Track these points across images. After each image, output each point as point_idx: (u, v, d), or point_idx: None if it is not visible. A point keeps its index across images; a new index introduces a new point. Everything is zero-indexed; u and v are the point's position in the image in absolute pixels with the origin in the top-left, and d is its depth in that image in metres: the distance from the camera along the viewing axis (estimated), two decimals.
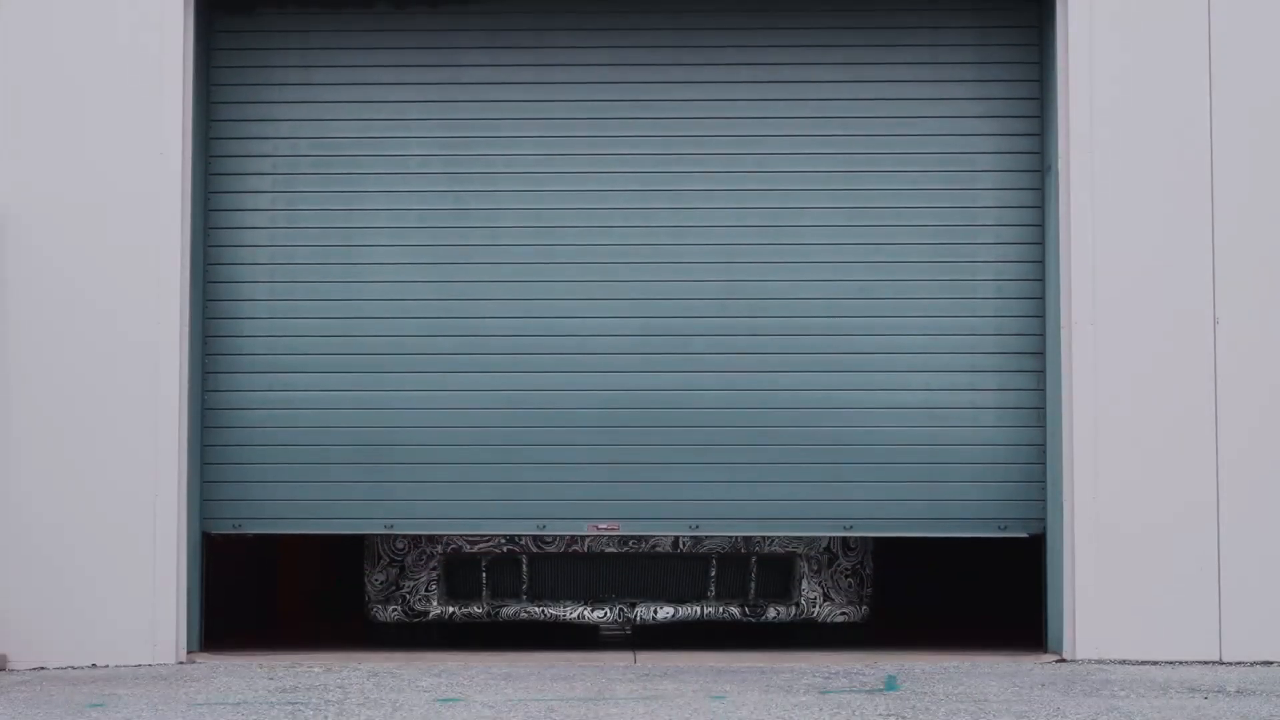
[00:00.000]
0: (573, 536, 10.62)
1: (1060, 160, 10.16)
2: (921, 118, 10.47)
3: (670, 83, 10.50)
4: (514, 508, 10.37)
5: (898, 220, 10.42)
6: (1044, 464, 10.30)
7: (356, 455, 10.37)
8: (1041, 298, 10.37)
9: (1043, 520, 10.28)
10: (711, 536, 10.56)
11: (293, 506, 10.40)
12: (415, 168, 10.51)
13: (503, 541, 10.66)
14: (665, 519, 10.38)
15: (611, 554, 10.65)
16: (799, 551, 10.72)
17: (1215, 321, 10.03)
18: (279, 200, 10.52)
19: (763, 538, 10.67)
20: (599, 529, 10.35)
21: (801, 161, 10.46)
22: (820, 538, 10.75)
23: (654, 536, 10.62)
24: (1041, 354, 10.32)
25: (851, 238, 10.41)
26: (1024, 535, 10.32)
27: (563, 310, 10.44)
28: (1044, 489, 10.29)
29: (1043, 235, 10.38)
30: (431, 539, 10.72)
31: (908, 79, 10.48)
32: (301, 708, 8.04)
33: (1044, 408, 10.29)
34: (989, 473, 10.32)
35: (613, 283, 10.45)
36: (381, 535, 10.86)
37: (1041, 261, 10.39)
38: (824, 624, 10.89)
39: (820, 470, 10.34)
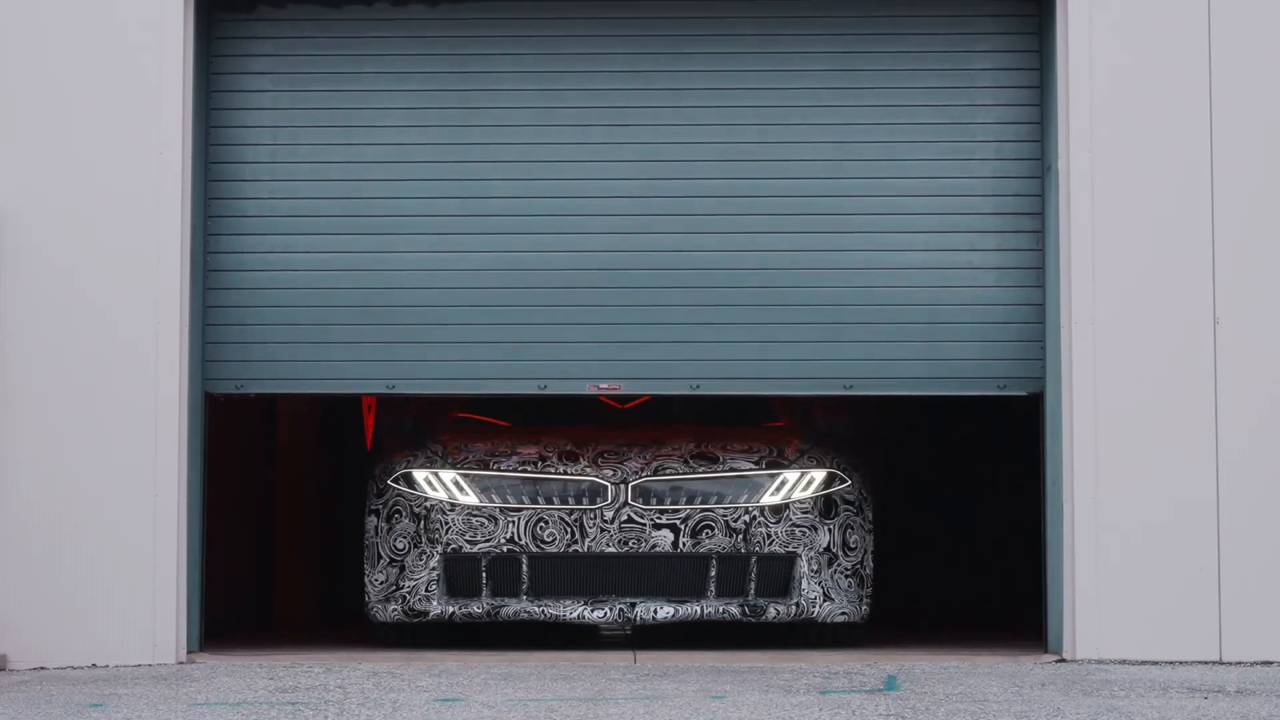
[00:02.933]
0: (573, 536, 10.62)
1: (1060, 159, 10.16)
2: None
3: None
4: (515, 368, 10.41)
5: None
6: (1043, 323, 10.31)
7: (358, 317, 10.40)
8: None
9: (1041, 380, 10.28)
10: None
11: (294, 368, 10.44)
12: (416, 32, 10.49)
13: (503, 541, 10.66)
14: (666, 379, 10.43)
15: (611, 554, 10.65)
16: (799, 551, 10.72)
17: (1215, 321, 10.03)
18: (281, 65, 10.52)
19: (764, 539, 10.67)
20: (600, 389, 10.40)
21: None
22: (820, 538, 10.75)
23: (653, 537, 10.61)
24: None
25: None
26: (1023, 394, 10.35)
27: (564, 172, 10.47)
28: (1043, 348, 10.29)
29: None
30: (431, 540, 10.72)
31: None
32: (301, 708, 8.04)
33: (1043, 268, 10.32)
34: (988, 332, 10.35)
35: (613, 145, 10.49)
36: (381, 537, 10.87)
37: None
38: (824, 624, 10.89)
39: (820, 330, 10.39)
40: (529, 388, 10.41)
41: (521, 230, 10.44)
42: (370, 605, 10.92)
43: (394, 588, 10.80)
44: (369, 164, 10.48)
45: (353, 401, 17.10)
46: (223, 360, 10.39)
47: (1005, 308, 10.38)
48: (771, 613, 10.71)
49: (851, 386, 10.41)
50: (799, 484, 10.84)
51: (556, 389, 10.42)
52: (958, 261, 10.40)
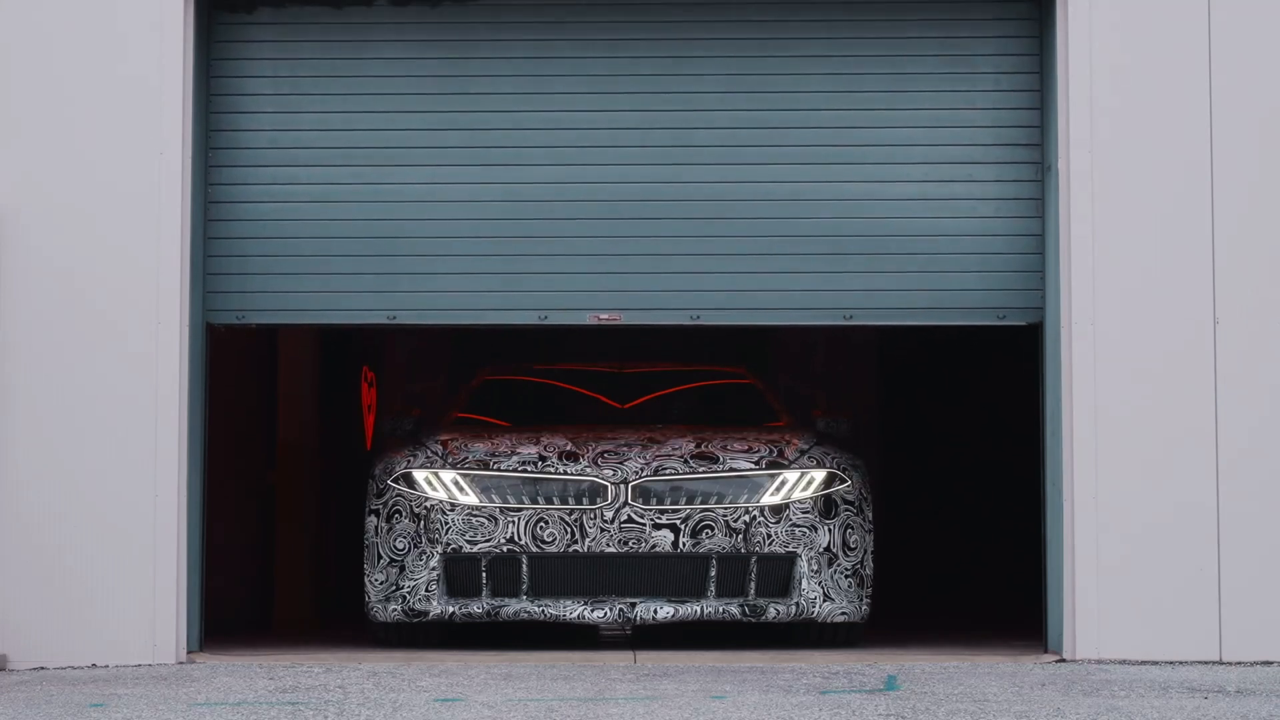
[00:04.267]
0: (573, 536, 10.62)
1: (1060, 159, 10.16)
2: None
3: None
4: (516, 299, 10.44)
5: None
6: (1042, 254, 10.31)
7: (359, 248, 10.43)
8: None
9: (1041, 310, 10.29)
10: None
11: (296, 299, 10.46)
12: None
13: (503, 541, 10.66)
14: (666, 309, 10.46)
15: (611, 554, 10.65)
16: (799, 551, 10.72)
17: (1215, 321, 10.03)
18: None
19: (764, 539, 10.66)
20: (600, 319, 10.42)
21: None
22: (820, 538, 10.75)
23: (653, 537, 10.61)
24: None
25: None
26: (1022, 324, 10.38)
27: (564, 103, 10.49)
28: (1042, 279, 10.30)
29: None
30: (431, 540, 10.72)
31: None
32: (301, 708, 8.04)
33: (1043, 199, 10.34)
34: (988, 262, 10.35)
35: (613, 76, 10.50)
36: (381, 537, 10.87)
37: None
38: (824, 624, 10.89)
39: (821, 261, 10.42)
40: (529, 318, 10.44)
41: (522, 162, 10.46)
42: (370, 605, 10.92)
43: (394, 588, 10.80)
44: (370, 96, 10.47)
45: (353, 400, 17.11)
46: (224, 291, 10.41)
47: (1005, 238, 10.38)
48: (771, 613, 10.71)
49: (851, 317, 10.43)
50: (799, 484, 10.84)
51: (557, 319, 10.44)
52: (957, 193, 10.40)
